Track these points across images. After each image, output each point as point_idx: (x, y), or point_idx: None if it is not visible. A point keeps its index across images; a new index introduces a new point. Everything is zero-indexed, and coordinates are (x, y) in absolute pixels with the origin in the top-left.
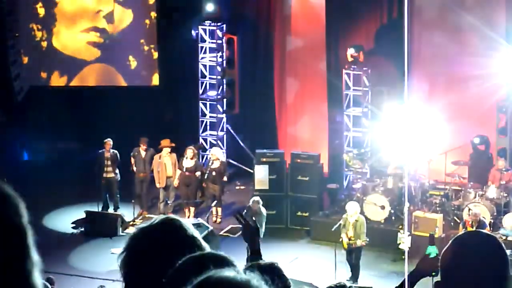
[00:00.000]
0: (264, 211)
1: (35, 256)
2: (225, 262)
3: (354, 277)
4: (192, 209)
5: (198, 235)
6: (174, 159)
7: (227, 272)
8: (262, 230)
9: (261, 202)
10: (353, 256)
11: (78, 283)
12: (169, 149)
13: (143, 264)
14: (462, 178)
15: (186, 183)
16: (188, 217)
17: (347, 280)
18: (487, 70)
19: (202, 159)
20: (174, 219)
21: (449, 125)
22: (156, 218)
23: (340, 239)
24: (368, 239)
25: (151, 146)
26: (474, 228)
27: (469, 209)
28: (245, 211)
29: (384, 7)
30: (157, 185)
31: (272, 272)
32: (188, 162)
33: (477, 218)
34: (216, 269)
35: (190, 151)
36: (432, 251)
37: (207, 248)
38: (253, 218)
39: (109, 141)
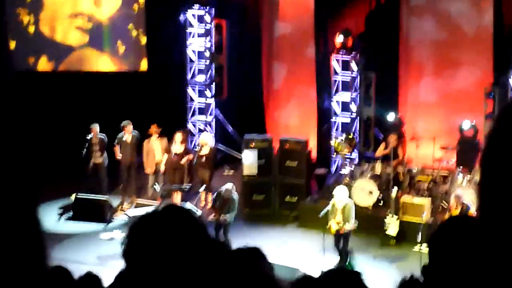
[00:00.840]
0: (236, 196)
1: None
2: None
3: (343, 262)
4: (180, 193)
5: (203, 223)
6: (164, 144)
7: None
8: (234, 213)
9: (234, 188)
10: (341, 242)
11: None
12: (157, 134)
13: (148, 251)
14: (450, 163)
15: (174, 167)
16: (176, 201)
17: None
18: (475, 56)
19: (190, 144)
20: (180, 206)
21: (437, 110)
22: (159, 204)
23: (328, 226)
24: (356, 223)
25: (140, 131)
26: (458, 211)
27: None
28: (215, 196)
29: None
30: (146, 171)
31: (256, 256)
32: (178, 146)
33: (460, 200)
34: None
35: (179, 136)
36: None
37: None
38: (227, 205)
39: (96, 126)
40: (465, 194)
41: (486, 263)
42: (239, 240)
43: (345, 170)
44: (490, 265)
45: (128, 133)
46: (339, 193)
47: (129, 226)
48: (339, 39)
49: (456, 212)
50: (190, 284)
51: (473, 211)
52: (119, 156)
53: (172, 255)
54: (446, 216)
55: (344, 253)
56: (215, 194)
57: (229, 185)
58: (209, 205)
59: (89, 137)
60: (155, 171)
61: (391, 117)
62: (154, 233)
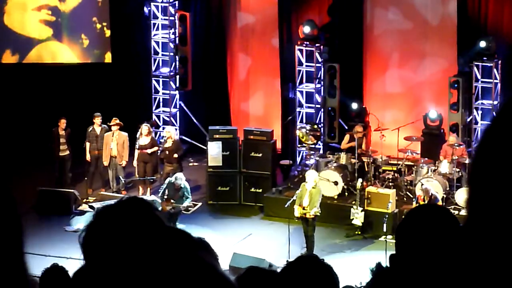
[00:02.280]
0: (186, 184)
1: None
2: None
3: (309, 249)
4: (149, 186)
5: (162, 215)
6: (122, 138)
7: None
8: (189, 200)
9: (182, 178)
10: (308, 227)
11: (31, 261)
12: (117, 127)
13: (107, 243)
14: (414, 154)
15: (143, 160)
16: (143, 194)
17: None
18: (440, 46)
19: (156, 136)
20: (141, 198)
21: (402, 100)
22: (121, 196)
23: (293, 210)
24: (320, 211)
25: (104, 123)
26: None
27: (422, 184)
28: (165, 185)
29: None
30: (104, 163)
31: (201, 247)
32: (144, 139)
33: (429, 193)
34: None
35: (145, 128)
36: None
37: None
38: (178, 194)
39: (63, 120)
40: (430, 185)
41: (473, 259)
42: (205, 231)
43: (310, 161)
44: (476, 262)
45: (97, 125)
46: (311, 176)
47: (90, 216)
48: (303, 29)
49: (423, 203)
50: (144, 276)
51: (440, 202)
52: (88, 155)
53: (128, 248)
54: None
55: (309, 239)
56: (165, 184)
57: (179, 174)
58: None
59: (54, 129)
60: (109, 165)
61: (354, 106)
62: (111, 226)
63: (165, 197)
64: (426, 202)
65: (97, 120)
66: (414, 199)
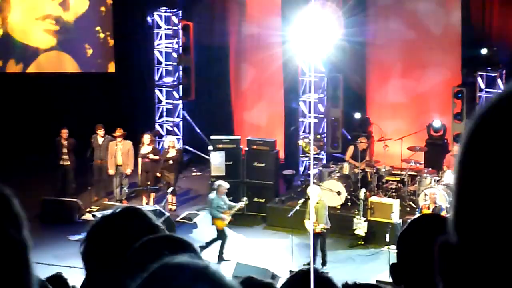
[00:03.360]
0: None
1: (33, 270)
2: (184, 246)
3: (323, 262)
4: (152, 195)
5: (160, 224)
6: (127, 147)
7: (183, 258)
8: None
9: (217, 182)
10: (320, 242)
11: (34, 270)
12: (121, 137)
13: (105, 253)
14: (418, 164)
15: (145, 169)
16: (147, 203)
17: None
18: (443, 56)
19: (158, 146)
20: (137, 208)
21: (405, 110)
22: (118, 206)
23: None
24: (328, 225)
25: (108, 132)
26: (431, 211)
27: (425, 194)
28: (213, 201)
29: None
30: (110, 172)
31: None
32: (146, 148)
33: (435, 200)
34: (175, 253)
35: (147, 137)
36: None
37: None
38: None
39: (65, 130)
40: (435, 191)
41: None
42: (208, 241)
43: (313, 171)
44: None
45: (100, 136)
46: (312, 192)
47: (89, 227)
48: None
49: (427, 211)
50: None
51: (445, 212)
52: (97, 160)
53: (125, 256)
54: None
55: (323, 252)
56: (211, 201)
57: (221, 183)
58: (174, 207)
59: (57, 138)
60: (115, 173)
61: (357, 115)
62: (112, 234)
63: (222, 210)
64: (431, 210)
65: (100, 132)
66: (417, 210)
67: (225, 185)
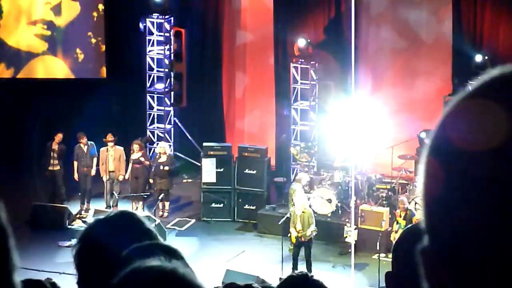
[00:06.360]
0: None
1: (15, 257)
2: (170, 252)
3: (308, 270)
4: (140, 202)
5: (153, 229)
6: (118, 153)
7: (152, 262)
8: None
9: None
10: (304, 251)
11: (23, 276)
12: (112, 143)
13: (98, 256)
14: (408, 172)
15: (135, 175)
16: (136, 209)
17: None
18: (434, 64)
19: (149, 152)
20: (131, 212)
21: (396, 119)
22: (112, 211)
23: (289, 234)
24: (317, 230)
25: (99, 138)
26: (402, 218)
27: (416, 203)
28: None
29: (332, 1)
30: (103, 178)
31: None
32: (136, 154)
33: (404, 206)
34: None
35: (136, 146)
36: None
37: (162, 241)
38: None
39: (60, 135)
40: (403, 197)
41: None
42: (198, 248)
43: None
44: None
45: (83, 144)
46: (298, 201)
47: (83, 230)
48: (298, 46)
49: (400, 219)
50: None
51: (417, 217)
52: (75, 174)
53: (118, 260)
54: (394, 225)
55: (308, 262)
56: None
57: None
58: (166, 213)
59: (48, 143)
60: (108, 179)
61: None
62: (105, 237)
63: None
64: (402, 217)
65: (83, 140)
66: (394, 219)
67: (305, 177)
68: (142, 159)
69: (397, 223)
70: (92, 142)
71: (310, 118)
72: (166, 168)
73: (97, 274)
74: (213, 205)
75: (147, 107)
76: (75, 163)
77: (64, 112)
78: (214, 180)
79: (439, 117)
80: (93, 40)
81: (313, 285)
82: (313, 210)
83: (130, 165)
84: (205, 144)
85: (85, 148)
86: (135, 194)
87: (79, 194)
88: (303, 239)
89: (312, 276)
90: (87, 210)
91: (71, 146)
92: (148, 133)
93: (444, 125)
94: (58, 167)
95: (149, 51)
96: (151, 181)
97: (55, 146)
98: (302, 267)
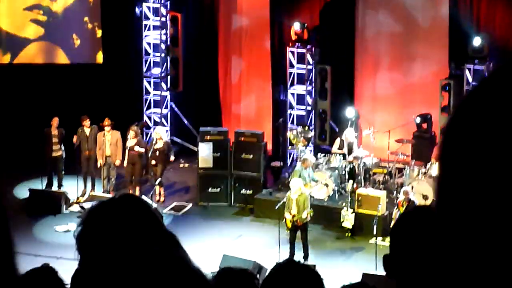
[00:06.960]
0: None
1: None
2: (167, 237)
3: (305, 255)
4: (137, 187)
5: (157, 212)
6: (115, 137)
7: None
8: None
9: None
10: (300, 234)
11: (21, 261)
12: (109, 127)
13: (101, 238)
14: (405, 156)
15: (131, 161)
16: None
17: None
18: (431, 49)
19: (146, 137)
20: (135, 195)
21: (393, 103)
22: (105, 197)
23: (284, 219)
24: (312, 212)
25: (96, 123)
26: (403, 207)
27: (412, 187)
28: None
29: None
30: (99, 163)
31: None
32: (131, 141)
33: (407, 197)
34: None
35: (132, 132)
36: None
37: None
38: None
39: (56, 119)
40: (419, 187)
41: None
42: (195, 232)
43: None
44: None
45: (86, 127)
46: (295, 185)
47: (83, 215)
48: (294, 29)
49: (402, 209)
50: (141, 274)
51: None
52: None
53: (126, 244)
54: (394, 213)
55: (304, 246)
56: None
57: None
58: (163, 198)
59: (46, 128)
60: (104, 163)
61: (350, 113)
62: (108, 222)
63: (304, 182)
64: (404, 206)
65: (86, 123)
66: (395, 207)
67: (311, 158)
68: (136, 148)
69: (399, 212)
70: (95, 126)
71: (307, 103)
72: (164, 154)
73: (100, 257)
74: (209, 189)
75: (144, 92)
76: (75, 138)
77: (60, 98)
78: (210, 165)
79: (435, 105)
80: (90, 26)
81: (301, 271)
82: (310, 195)
83: (127, 151)
84: (201, 128)
85: (87, 131)
86: (132, 179)
87: (77, 178)
88: (299, 222)
89: (302, 262)
90: (83, 194)
91: (67, 130)
92: (145, 117)
93: (460, 111)
94: (60, 152)
95: (145, 36)
96: (153, 162)
97: (54, 131)
98: (299, 253)
